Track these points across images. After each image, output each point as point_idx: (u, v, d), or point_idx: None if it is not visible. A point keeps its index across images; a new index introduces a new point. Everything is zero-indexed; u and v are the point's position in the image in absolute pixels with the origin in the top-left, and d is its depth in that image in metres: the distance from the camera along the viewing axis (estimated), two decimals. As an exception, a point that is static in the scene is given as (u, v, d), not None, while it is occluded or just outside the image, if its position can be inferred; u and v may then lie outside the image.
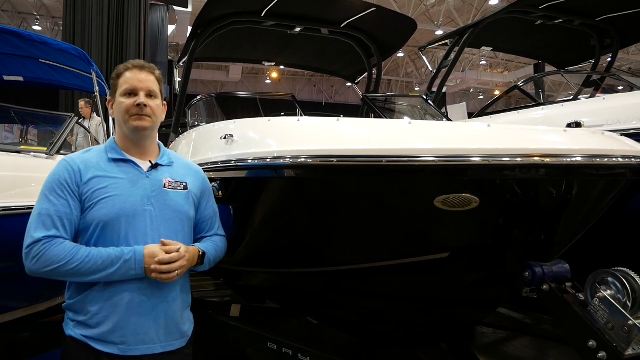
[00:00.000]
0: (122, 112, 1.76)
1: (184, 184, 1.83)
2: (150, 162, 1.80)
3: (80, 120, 4.87)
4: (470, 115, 5.67)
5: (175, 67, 5.30)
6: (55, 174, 1.68)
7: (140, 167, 1.77)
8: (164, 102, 1.89)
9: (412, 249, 2.22)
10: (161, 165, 1.82)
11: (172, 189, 1.78)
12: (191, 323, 1.86)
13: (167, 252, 1.67)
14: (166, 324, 1.71)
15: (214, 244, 1.92)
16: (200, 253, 1.81)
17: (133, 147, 1.80)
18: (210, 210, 1.97)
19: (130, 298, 1.64)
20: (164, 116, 1.88)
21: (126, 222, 1.66)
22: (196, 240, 1.92)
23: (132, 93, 1.75)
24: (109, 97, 5.49)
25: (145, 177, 1.75)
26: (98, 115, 5.16)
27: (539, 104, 4.39)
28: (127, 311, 1.64)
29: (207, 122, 3.90)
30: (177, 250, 1.69)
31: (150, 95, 1.77)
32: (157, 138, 1.93)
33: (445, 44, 5.86)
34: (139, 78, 1.77)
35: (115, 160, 1.75)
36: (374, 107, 4.51)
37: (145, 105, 1.74)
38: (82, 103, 6.96)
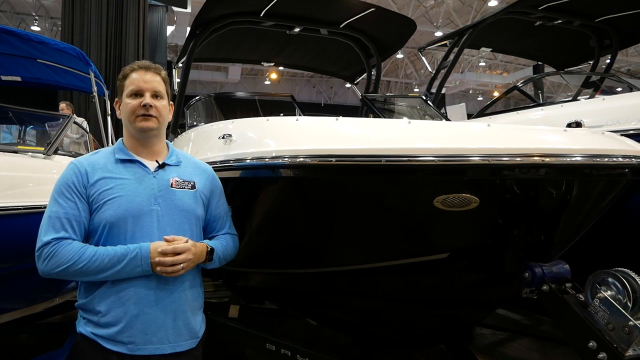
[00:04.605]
0: (128, 112, 1.77)
1: (192, 183, 1.83)
2: (157, 161, 1.81)
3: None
4: (470, 117, 5.66)
5: (174, 68, 5.28)
6: (64, 177, 1.72)
7: (147, 167, 1.78)
8: (171, 103, 1.90)
9: (412, 250, 2.21)
10: (168, 164, 1.82)
11: (180, 188, 1.79)
12: (202, 324, 1.86)
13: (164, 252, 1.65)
14: (175, 324, 1.71)
15: (223, 241, 1.92)
16: (209, 249, 1.80)
17: (140, 148, 1.81)
18: (221, 209, 1.97)
19: (137, 298, 1.65)
20: (170, 116, 1.89)
21: (132, 222, 1.67)
22: (208, 239, 1.92)
23: (137, 94, 1.77)
24: (106, 97, 5.46)
25: (152, 177, 1.76)
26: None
27: (539, 105, 4.39)
28: (135, 311, 1.64)
29: (206, 123, 3.89)
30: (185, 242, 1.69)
31: (156, 95, 1.79)
32: (165, 138, 1.93)
33: (445, 45, 5.86)
34: (145, 79, 1.78)
35: (122, 161, 1.77)
36: (373, 107, 4.50)
37: (150, 106, 1.75)
38: (62, 105, 6.92)
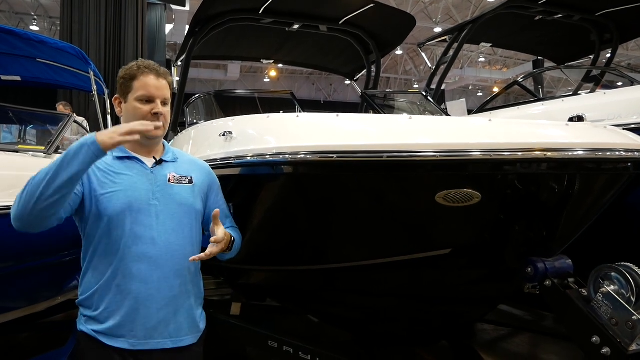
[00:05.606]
0: (136, 118, 1.74)
1: (189, 178, 1.84)
2: (154, 158, 1.81)
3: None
4: (470, 112, 5.64)
5: (173, 66, 5.27)
6: None
7: (145, 164, 1.78)
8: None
9: (414, 246, 2.20)
10: (165, 161, 1.83)
11: (177, 183, 1.79)
12: (203, 320, 1.86)
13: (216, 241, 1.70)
14: (176, 319, 1.71)
15: (235, 233, 1.93)
16: (232, 239, 1.83)
17: (139, 147, 1.81)
18: (221, 204, 1.97)
19: (138, 292, 1.65)
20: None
21: (131, 217, 1.67)
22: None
23: (149, 100, 1.75)
24: (106, 96, 5.40)
25: (150, 173, 1.76)
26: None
27: (539, 100, 4.38)
28: (136, 305, 1.64)
29: (206, 120, 3.88)
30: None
31: (164, 103, 1.79)
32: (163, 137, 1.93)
33: (444, 41, 5.84)
34: (157, 85, 1.77)
35: (119, 158, 1.77)
36: (373, 103, 4.50)
37: (161, 114, 1.76)
38: (60, 106, 6.89)
